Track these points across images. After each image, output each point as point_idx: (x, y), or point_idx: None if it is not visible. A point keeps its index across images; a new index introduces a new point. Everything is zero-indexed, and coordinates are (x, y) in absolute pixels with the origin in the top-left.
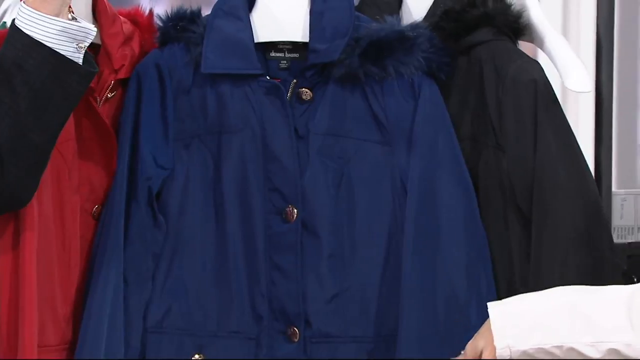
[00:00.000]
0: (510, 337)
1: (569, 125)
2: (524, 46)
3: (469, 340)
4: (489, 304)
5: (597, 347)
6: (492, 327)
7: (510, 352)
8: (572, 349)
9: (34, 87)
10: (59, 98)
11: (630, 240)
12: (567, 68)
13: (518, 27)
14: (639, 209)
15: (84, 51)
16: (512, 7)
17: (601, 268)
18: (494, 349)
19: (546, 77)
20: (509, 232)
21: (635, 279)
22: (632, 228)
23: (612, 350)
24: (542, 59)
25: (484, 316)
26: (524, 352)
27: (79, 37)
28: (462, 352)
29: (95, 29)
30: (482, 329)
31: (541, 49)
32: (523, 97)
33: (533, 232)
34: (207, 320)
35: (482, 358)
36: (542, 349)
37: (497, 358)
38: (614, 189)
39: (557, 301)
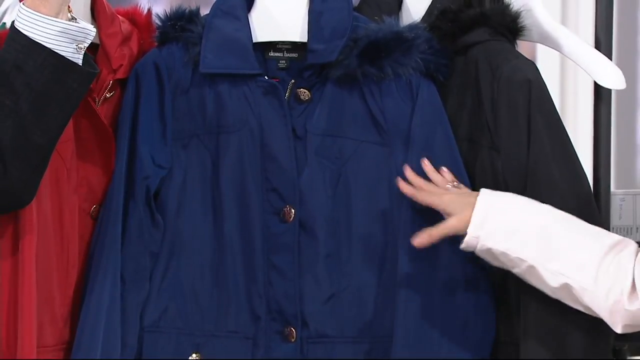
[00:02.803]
0: (485, 231)
1: (563, 125)
2: (522, 46)
3: (464, 340)
4: (482, 189)
5: (556, 277)
6: (473, 214)
7: (478, 244)
8: (533, 268)
9: (35, 88)
10: (60, 99)
11: None
12: (597, 66)
13: (516, 28)
14: (638, 209)
15: (83, 52)
16: (510, 7)
17: None
18: (464, 231)
19: (541, 77)
20: None
21: None
22: (631, 228)
23: (567, 285)
24: (540, 59)
25: (482, 315)
26: (489, 249)
27: (78, 38)
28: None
29: (95, 29)
30: (463, 205)
31: (557, 50)
32: (517, 97)
33: None
34: (205, 319)
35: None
36: (507, 255)
37: (464, 245)
38: (612, 189)
39: (543, 220)
